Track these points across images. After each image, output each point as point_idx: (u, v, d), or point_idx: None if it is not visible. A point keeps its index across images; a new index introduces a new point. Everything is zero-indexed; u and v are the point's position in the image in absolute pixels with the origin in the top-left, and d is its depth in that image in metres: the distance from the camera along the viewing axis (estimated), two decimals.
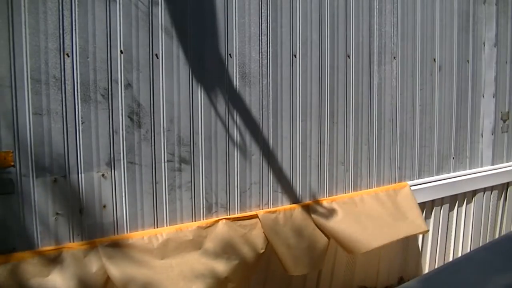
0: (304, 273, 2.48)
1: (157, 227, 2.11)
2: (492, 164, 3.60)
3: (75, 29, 1.86)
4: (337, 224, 2.58)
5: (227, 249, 2.19)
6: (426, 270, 3.34)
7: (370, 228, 2.65)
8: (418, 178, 3.20)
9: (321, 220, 2.56)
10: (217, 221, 2.24)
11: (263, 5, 2.39)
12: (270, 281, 2.53)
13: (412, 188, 3.08)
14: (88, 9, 1.89)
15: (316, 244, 2.52)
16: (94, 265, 1.86)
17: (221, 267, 2.14)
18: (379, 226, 2.70)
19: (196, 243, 2.14)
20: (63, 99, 1.86)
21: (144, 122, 2.07)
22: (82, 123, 1.90)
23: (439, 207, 3.36)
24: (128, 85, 2.01)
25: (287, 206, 2.52)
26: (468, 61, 3.49)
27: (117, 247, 1.94)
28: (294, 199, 2.58)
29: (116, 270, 1.89)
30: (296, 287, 2.66)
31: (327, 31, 2.64)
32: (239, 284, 2.24)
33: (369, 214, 2.75)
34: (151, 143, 2.09)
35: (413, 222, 2.87)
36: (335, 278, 2.85)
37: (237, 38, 2.31)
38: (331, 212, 2.61)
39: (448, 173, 3.41)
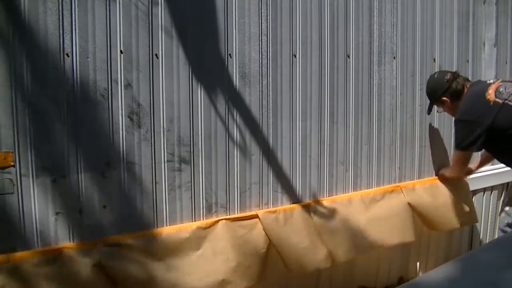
0: (306, 272, 2.48)
1: (157, 227, 2.11)
2: (492, 164, 3.59)
3: (75, 29, 1.86)
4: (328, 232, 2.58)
5: (227, 250, 2.19)
6: (426, 269, 3.33)
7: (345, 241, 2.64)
8: (418, 178, 3.20)
9: (320, 221, 2.57)
10: (217, 221, 2.24)
11: (263, 5, 2.39)
12: (269, 281, 2.53)
13: None
14: (88, 9, 1.89)
15: (317, 243, 2.52)
16: (93, 265, 1.86)
17: (221, 267, 2.14)
18: (351, 240, 2.68)
19: (195, 244, 2.14)
20: (63, 99, 1.86)
21: (144, 122, 2.07)
22: (82, 123, 1.90)
23: None
24: (128, 85, 2.01)
25: (287, 206, 2.52)
26: (468, 61, 3.48)
27: (117, 247, 1.94)
28: (294, 199, 2.58)
29: (115, 270, 1.89)
30: (295, 287, 2.66)
31: (327, 31, 2.64)
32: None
33: (357, 219, 2.74)
34: (151, 143, 2.09)
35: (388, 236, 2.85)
36: (335, 278, 2.85)
37: (237, 38, 2.31)
38: (325, 216, 2.62)
39: None
